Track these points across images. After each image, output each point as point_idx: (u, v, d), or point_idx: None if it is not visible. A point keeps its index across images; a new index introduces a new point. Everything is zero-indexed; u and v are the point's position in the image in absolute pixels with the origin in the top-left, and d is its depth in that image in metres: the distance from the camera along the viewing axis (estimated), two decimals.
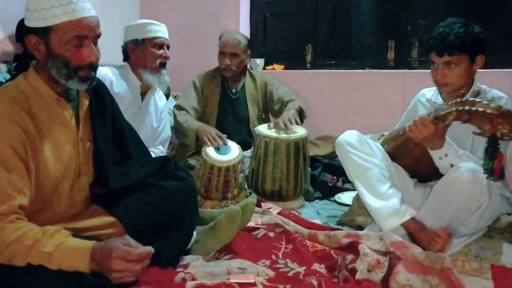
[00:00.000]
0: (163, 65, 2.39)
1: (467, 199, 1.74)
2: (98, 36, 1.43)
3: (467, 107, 1.52)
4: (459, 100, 1.57)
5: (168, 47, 2.43)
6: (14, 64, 2.88)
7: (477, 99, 1.52)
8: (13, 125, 1.31)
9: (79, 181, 1.53)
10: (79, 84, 1.41)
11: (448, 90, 1.96)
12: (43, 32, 1.35)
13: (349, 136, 2.05)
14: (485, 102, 1.50)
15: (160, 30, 2.40)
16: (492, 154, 1.55)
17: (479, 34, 1.87)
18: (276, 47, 3.70)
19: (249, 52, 2.99)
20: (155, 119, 2.54)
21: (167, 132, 2.66)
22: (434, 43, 1.90)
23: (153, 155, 2.24)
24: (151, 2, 4.06)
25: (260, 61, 3.57)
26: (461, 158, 1.79)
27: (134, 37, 2.38)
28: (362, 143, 2.03)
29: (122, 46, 2.46)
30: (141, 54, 2.37)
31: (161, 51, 2.38)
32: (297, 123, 2.64)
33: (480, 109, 1.48)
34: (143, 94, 2.46)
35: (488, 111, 1.47)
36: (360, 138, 2.04)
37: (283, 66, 3.57)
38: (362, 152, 1.99)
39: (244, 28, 3.68)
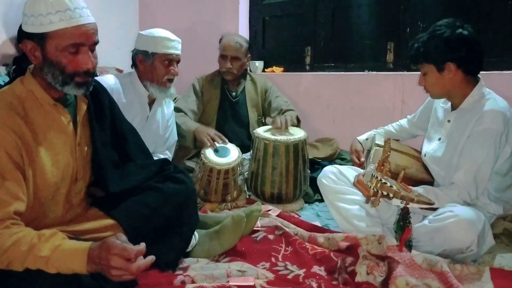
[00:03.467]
0: (170, 80, 2.35)
1: (456, 248, 1.70)
2: (96, 43, 1.41)
3: (375, 189, 1.56)
4: (374, 178, 1.58)
5: (178, 62, 2.38)
6: (13, 67, 2.87)
7: (384, 180, 1.54)
8: (9, 131, 1.30)
9: (76, 186, 1.53)
10: (75, 89, 1.40)
11: (432, 97, 1.98)
12: (40, 38, 1.34)
13: (325, 175, 2.16)
14: (388, 185, 1.52)
15: (173, 46, 2.33)
16: (402, 227, 1.60)
17: (443, 42, 1.78)
18: (275, 50, 3.70)
19: (249, 55, 3.00)
20: (162, 127, 2.52)
21: (173, 138, 2.64)
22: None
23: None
24: (150, 6, 4.06)
25: (259, 64, 3.57)
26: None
27: (144, 48, 2.31)
28: (340, 179, 2.12)
29: (132, 51, 2.40)
30: (149, 67, 2.31)
31: (169, 68, 2.32)
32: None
33: (385, 192, 1.53)
34: (151, 104, 2.43)
35: (391, 194, 1.52)
36: (336, 175, 2.13)
37: (282, 69, 3.57)
38: (340, 192, 2.08)
39: (243, 30, 3.68)
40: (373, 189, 1.55)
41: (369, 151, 2.27)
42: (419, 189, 1.73)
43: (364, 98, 3.10)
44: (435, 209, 1.79)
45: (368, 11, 3.22)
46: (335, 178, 2.13)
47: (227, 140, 2.62)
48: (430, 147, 2.02)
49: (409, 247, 1.64)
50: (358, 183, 1.72)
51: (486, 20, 2.70)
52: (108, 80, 2.23)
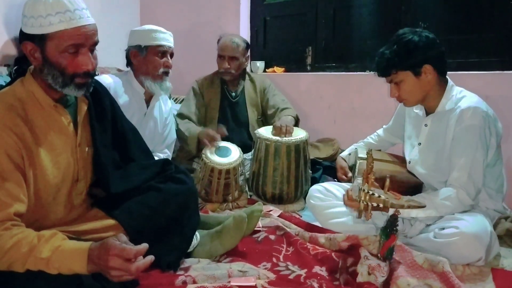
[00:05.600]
0: (165, 73, 2.36)
1: (463, 262, 1.70)
2: (96, 43, 1.41)
3: (365, 202, 1.56)
4: (362, 191, 1.58)
5: (171, 55, 2.40)
6: (15, 68, 2.87)
7: (372, 192, 1.55)
8: (9, 133, 1.30)
9: (77, 186, 1.53)
10: (75, 90, 1.40)
11: (408, 105, 1.98)
12: (40, 40, 1.34)
13: (312, 195, 2.20)
14: (376, 196, 1.53)
15: (165, 38, 2.36)
16: (388, 233, 1.61)
17: (414, 46, 1.81)
18: (276, 50, 3.70)
19: (248, 55, 3.00)
20: (160, 125, 2.53)
21: (172, 136, 2.65)
22: (374, 65, 1.94)
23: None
24: (151, 6, 4.06)
25: (260, 64, 3.57)
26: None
27: (137, 43, 2.34)
28: (326, 195, 2.17)
29: (125, 50, 2.42)
30: (143, 61, 2.34)
31: (163, 60, 2.34)
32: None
33: (374, 203, 1.54)
34: (148, 101, 2.44)
35: (381, 205, 1.53)
36: (322, 192, 2.18)
37: (283, 69, 3.57)
38: (329, 207, 2.11)
39: (244, 31, 3.68)
40: (362, 202, 1.56)
41: (354, 166, 2.30)
42: (418, 198, 1.72)
43: (365, 98, 3.10)
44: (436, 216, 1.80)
45: (369, 11, 3.21)
46: (322, 195, 2.18)
47: (228, 143, 2.63)
48: (413, 153, 2.04)
49: (389, 257, 1.64)
50: (348, 201, 1.76)
51: (486, 20, 2.70)
52: (105, 80, 2.24)
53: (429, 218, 1.85)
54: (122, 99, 2.28)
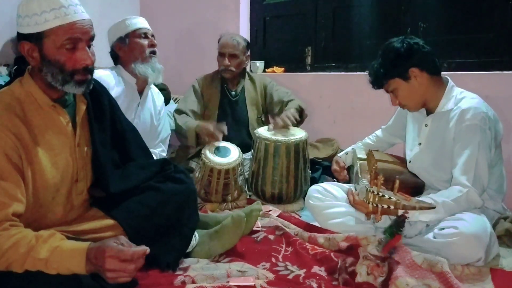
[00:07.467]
0: (153, 53, 2.40)
1: (463, 262, 1.69)
2: (92, 38, 1.42)
3: (374, 204, 1.55)
4: (371, 193, 1.57)
5: (153, 36, 2.44)
6: (14, 67, 2.87)
7: (381, 193, 1.53)
8: (7, 133, 1.30)
9: (77, 186, 1.53)
10: (75, 88, 1.40)
11: (411, 110, 2.01)
12: (36, 38, 1.35)
13: (311, 196, 2.21)
14: (386, 198, 1.52)
15: (139, 22, 2.42)
16: (393, 232, 1.60)
17: (396, 54, 1.87)
18: (276, 50, 3.70)
19: (248, 54, 3.00)
20: (155, 117, 2.55)
21: (166, 131, 2.67)
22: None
23: (155, 157, 2.24)
24: (151, 6, 4.06)
25: (260, 64, 3.57)
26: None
27: (117, 35, 2.39)
28: (325, 195, 2.17)
29: (109, 52, 2.46)
30: (128, 48, 2.38)
31: (147, 40, 2.39)
32: (296, 120, 2.65)
33: (385, 205, 1.53)
34: (140, 92, 2.47)
35: (391, 206, 1.52)
36: (321, 192, 2.19)
37: (283, 69, 3.57)
38: (327, 207, 2.12)
39: (244, 31, 3.68)
40: (372, 204, 1.55)
41: (352, 166, 2.29)
42: (426, 199, 1.71)
43: (365, 98, 3.09)
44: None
45: (368, 11, 3.21)
46: (321, 195, 2.18)
47: (227, 143, 2.62)
48: (414, 153, 2.04)
49: (391, 254, 1.64)
50: (356, 204, 1.74)
51: (486, 20, 2.69)
52: (98, 73, 2.24)
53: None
54: (114, 91, 2.29)
